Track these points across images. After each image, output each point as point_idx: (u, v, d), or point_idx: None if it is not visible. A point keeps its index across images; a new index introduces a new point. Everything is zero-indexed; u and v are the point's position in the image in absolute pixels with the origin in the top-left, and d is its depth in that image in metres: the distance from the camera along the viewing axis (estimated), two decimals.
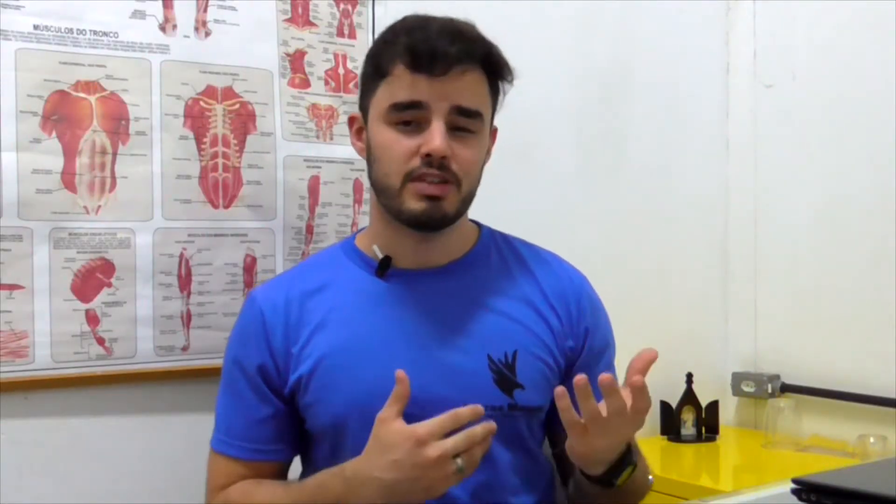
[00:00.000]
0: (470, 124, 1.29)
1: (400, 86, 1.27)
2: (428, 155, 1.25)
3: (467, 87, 1.27)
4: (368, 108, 1.33)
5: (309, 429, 1.35)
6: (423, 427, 1.15)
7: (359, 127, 1.37)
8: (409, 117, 1.27)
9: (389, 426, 1.16)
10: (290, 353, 1.33)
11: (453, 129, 1.27)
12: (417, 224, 1.29)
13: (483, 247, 1.40)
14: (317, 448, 1.34)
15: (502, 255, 1.41)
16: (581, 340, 1.38)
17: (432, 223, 1.29)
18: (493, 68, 1.31)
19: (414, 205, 1.27)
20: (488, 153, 1.39)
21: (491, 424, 1.16)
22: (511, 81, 1.35)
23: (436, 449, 1.14)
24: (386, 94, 1.29)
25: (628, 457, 1.23)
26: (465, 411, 1.16)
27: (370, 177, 1.34)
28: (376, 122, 1.30)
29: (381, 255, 1.35)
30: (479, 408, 1.16)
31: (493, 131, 1.39)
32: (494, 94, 1.34)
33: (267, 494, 1.31)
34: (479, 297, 1.35)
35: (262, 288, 1.43)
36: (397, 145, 1.27)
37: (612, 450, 1.20)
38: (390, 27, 1.34)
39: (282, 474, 1.38)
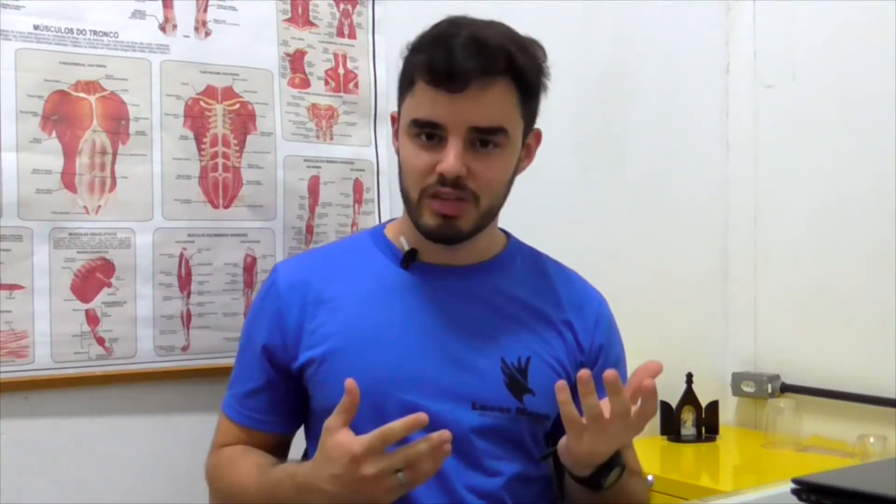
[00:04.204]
0: (492, 139, 1.27)
1: (420, 102, 1.27)
2: (442, 174, 1.25)
3: (488, 103, 1.25)
4: (400, 113, 1.34)
5: (315, 407, 1.35)
6: (360, 444, 1.12)
7: (396, 128, 1.37)
8: (429, 132, 1.27)
9: (333, 437, 1.14)
10: (303, 330, 1.34)
11: (475, 144, 1.27)
12: (432, 239, 1.31)
13: (509, 255, 1.42)
14: (321, 426, 1.35)
15: (527, 265, 1.42)
16: (594, 357, 1.39)
17: (446, 240, 1.31)
18: (521, 77, 1.28)
19: (429, 221, 1.29)
20: (528, 158, 1.38)
21: (441, 434, 1.12)
22: (545, 81, 1.33)
23: (372, 466, 1.11)
24: (410, 107, 1.29)
25: (617, 458, 1.22)
26: (397, 425, 1.11)
27: (399, 182, 1.35)
28: (403, 132, 1.32)
29: (407, 248, 1.36)
30: (423, 416, 1.12)
31: (536, 135, 1.38)
32: (527, 100, 1.31)
33: (244, 469, 1.33)
34: (499, 302, 1.36)
35: (287, 263, 1.45)
36: (417, 160, 1.28)
37: (608, 452, 1.20)
38: (422, 33, 1.31)
39: (281, 446, 1.40)
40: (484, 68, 1.24)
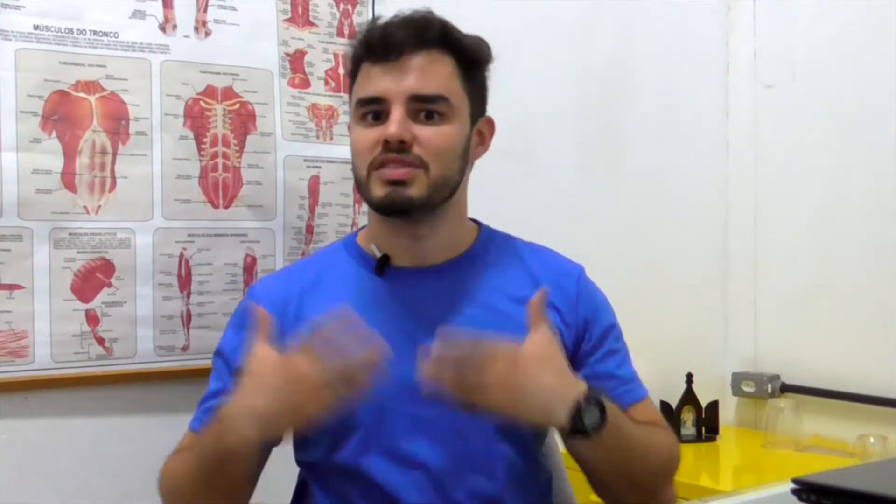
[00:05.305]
0: (435, 108, 1.28)
1: (362, 82, 1.30)
2: (387, 142, 1.26)
3: (425, 71, 1.27)
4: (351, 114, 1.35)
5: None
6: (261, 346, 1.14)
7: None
8: (373, 110, 1.28)
9: (254, 355, 1.15)
10: (284, 348, 1.33)
11: (419, 116, 1.27)
12: (384, 210, 1.29)
13: (481, 246, 1.40)
14: (313, 448, 1.34)
15: (501, 253, 1.41)
16: (581, 332, 1.37)
17: (397, 207, 1.28)
18: (456, 49, 1.30)
19: (378, 191, 1.28)
20: (483, 145, 1.38)
21: (347, 314, 1.12)
22: (486, 59, 1.34)
23: (301, 361, 1.12)
24: (354, 93, 1.32)
25: (591, 397, 1.18)
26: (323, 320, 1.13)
27: (352, 171, 1.35)
28: (352, 121, 1.33)
29: (378, 254, 1.36)
30: (345, 310, 1.12)
31: (488, 121, 1.38)
32: (468, 74, 1.32)
33: (183, 453, 1.31)
34: (478, 296, 1.35)
35: (262, 283, 1.44)
36: (363, 138, 1.29)
37: (515, 398, 1.16)
38: (359, 33, 1.36)
39: (255, 458, 1.31)
40: (417, 37, 1.27)
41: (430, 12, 1.32)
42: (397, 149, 1.25)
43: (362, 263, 1.38)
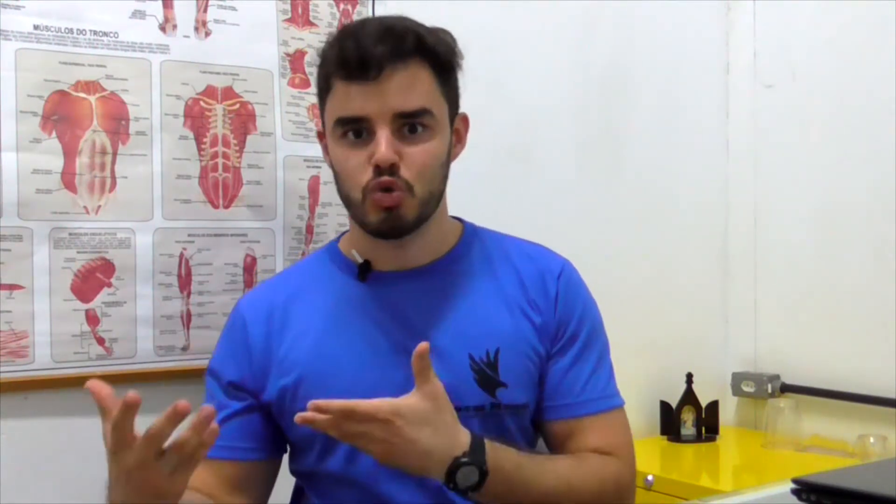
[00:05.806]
0: (419, 122, 1.27)
1: (340, 100, 1.27)
2: (377, 165, 1.25)
3: (406, 87, 1.25)
4: (324, 122, 1.33)
5: (294, 438, 1.34)
6: (106, 430, 1.05)
7: (325, 143, 1.36)
8: (356, 129, 1.27)
9: (106, 439, 1.07)
10: (272, 361, 1.32)
11: (402, 131, 1.26)
12: (380, 234, 1.30)
13: (465, 245, 1.39)
14: (304, 457, 1.34)
15: (485, 251, 1.40)
16: (554, 332, 1.36)
17: (394, 233, 1.29)
18: (432, 57, 1.28)
19: (373, 217, 1.27)
20: (460, 143, 1.37)
21: (129, 396, 1.04)
22: (458, 61, 1.33)
23: (130, 457, 1.04)
24: (332, 110, 1.29)
25: (469, 458, 1.16)
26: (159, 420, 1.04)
27: (337, 191, 1.34)
28: (331, 138, 1.31)
29: (360, 260, 1.35)
30: (182, 405, 1.05)
31: (463, 119, 1.37)
32: (444, 80, 1.31)
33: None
34: (460, 296, 1.34)
35: (248, 296, 1.43)
36: (351, 161, 1.27)
37: (391, 451, 1.14)
38: (328, 39, 1.33)
39: (255, 478, 1.34)
40: (394, 51, 1.24)
41: (401, 18, 1.31)
42: (389, 171, 1.25)
43: (345, 270, 1.37)
